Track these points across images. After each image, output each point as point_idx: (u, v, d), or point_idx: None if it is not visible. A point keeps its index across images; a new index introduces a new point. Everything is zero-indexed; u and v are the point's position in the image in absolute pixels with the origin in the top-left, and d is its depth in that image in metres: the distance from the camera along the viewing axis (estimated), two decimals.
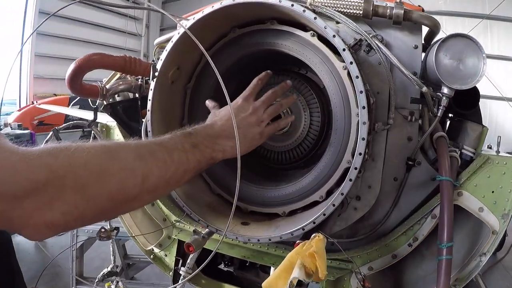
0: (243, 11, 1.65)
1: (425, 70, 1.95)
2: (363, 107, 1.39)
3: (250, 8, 1.62)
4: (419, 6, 2.10)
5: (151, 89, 1.89)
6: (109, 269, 2.74)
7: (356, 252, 2.03)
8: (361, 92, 1.39)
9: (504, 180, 1.74)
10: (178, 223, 2.50)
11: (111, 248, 2.70)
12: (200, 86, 2.03)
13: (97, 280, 2.66)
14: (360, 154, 1.40)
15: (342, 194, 1.44)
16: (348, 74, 1.61)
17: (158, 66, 1.86)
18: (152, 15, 18.67)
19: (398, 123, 1.93)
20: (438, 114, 1.84)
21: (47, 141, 2.63)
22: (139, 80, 2.51)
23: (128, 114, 2.57)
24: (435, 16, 2.03)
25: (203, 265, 1.44)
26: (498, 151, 2.05)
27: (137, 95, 2.55)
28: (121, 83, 2.49)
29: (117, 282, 2.66)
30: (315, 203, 1.77)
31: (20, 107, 13.37)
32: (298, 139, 2.09)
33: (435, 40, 2.18)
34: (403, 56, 1.86)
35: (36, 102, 12.56)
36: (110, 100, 2.58)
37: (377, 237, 2.06)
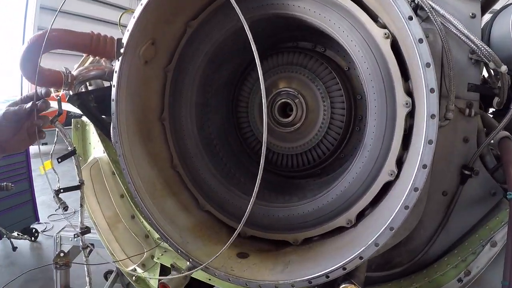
0: None
1: (488, 46, 1.43)
2: (431, 90, 0.86)
3: None
4: None
5: (115, 71, 1.40)
6: None
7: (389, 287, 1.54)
8: (428, 65, 0.86)
9: None
10: (162, 242, 2.02)
11: (85, 268, 2.23)
12: (183, 68, 1.53)
13: None
14: (424, 166, 0.88)
15: (391, 229, 0.92)
16: (393, 44, 1.09)
17: (125, 39, 1.37)
18: None
19: (453, 119, 1.40)
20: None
21: None
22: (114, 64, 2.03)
23: (102, 106, 2.09)
24: None
25: None
26: None
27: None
28: (91, 68, 2.00)
29: None
30: (340, 230, 1.26)
31: None
32: (314, 139, 1.57)
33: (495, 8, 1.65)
34: None
35: None
36: (82, 89, 2.11)
37: (417, 268, 1.57)
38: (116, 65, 1.41)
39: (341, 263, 0.96)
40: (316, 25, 1.24)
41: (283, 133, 1.61)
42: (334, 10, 1.18)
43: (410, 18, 0.90)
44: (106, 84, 2.17)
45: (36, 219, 6.01)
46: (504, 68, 1.18)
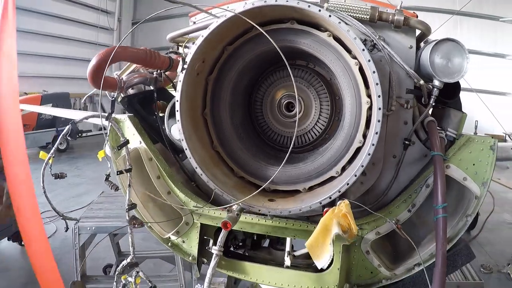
0: (271, 11, 1.87)
1: (418, 66, 2.28)
2: (379, 96, 1.68)
3: (278, 9, 1.84)
4: (414, 12, 2.43)
5: (180, 81, 2.05)
6: (128, 260, 2.72)
7: (365, 219, 2.25)
8: (377, 84, 1.68)
9: (482, 155, 2.09)
10: (197, 209, 2.60)
11: (130, 239, 2.70)
12: (221, 78, 2.22)
13: (117, 273, 2.65)
14: (376, 133, 1.69)
15: (362, 166, 1.72)
16: (360, 69, 1.89)
17: (188, 59, 2.02)
18: (124, 8, 18.06)
19: (396, 110, 2.24)
20: (431, 102, 2.18)
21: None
22: (154, 73, 2.63)
23: (142, 107, 2.67)
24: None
25: None
26: (475, 133, 2.44)
27: (151, 87, 2.66)
28: (136, 76, 2.59)
29: (137, 272, 2.55)
30: (331, 179, 2.04)
31: None
32: (309, 126, 2.35)
33: (426, 41, 2.50)
34: (400, 54, 2.13)
35: None
36: (127, 92, 2.65)
37: (381, 206, 2.28)
38: (180, 76, 2.05)
39: (337, 189, 1.74)
40: (316, 55, 2.01)
41: (288, 122, 2.36)
42: (327, 48, 1.95)
43: (369, 60, 1.71)
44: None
45: None
46: (422, 82, 2.02)
